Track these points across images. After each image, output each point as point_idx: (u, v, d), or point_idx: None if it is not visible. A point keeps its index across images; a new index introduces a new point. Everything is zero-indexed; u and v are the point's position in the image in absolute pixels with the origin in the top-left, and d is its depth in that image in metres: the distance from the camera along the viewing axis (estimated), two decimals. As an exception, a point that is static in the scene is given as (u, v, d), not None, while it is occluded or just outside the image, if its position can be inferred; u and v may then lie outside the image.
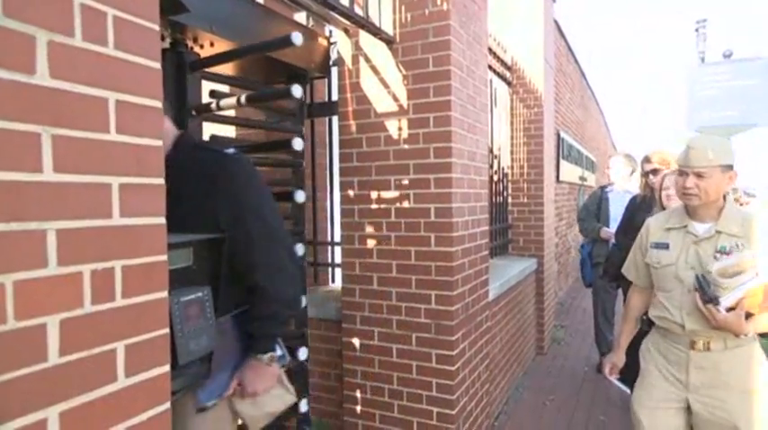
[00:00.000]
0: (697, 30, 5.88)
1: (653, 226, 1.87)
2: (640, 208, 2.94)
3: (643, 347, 1.90)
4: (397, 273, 2.48)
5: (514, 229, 4.72)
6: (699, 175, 1.62)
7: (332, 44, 2.71)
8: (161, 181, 0.94)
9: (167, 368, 0.95)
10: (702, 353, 1.66)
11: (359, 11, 2.23)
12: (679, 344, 1.72)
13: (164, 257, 0.94)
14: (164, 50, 1.78)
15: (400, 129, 2.46)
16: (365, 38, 2.50)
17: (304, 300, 1.88)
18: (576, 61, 8.04)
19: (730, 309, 1.56)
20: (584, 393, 3.70)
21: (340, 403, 2.69)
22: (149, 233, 0.91)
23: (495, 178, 4.17)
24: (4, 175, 0.68)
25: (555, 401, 3.59)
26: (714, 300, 1.56)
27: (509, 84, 4.60)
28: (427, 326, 2.42)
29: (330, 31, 2.80)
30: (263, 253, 1.37)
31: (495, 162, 4.16)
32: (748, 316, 1.58)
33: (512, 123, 4.65)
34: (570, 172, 6.93)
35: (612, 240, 3.49)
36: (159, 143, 0.92)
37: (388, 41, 2.44)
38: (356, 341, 2.60)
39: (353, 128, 2.57)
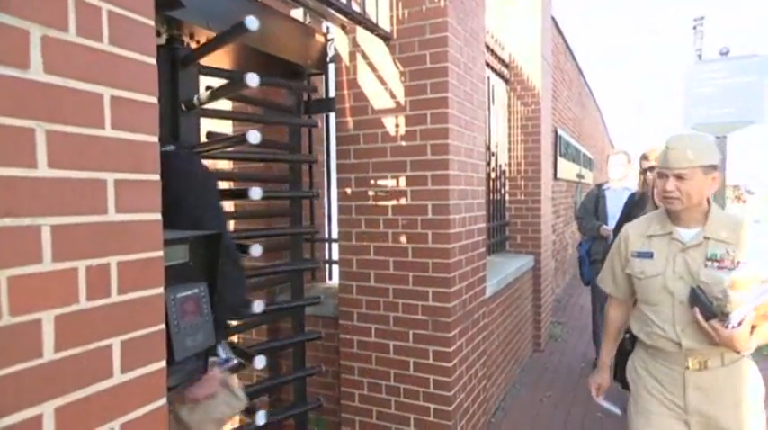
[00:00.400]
0: (695, 27, 5.88)
1: (633, 233, 1.71)
2: (638, 205, 2.95)
3: (629, 367, 1.76)
4: (395, 270, 2.48)
5: (512, 226, 4.73)
6: (679, 177, 1.51)
7: (329, 41, 2.70)
8: (157, 177, 0.93)
9: (163, 364, 0.95)
10: (699, 372, 1.54)
11: (356, 7, 2.23)
12: (673, 364, 1.58)
13: (160, 253, 0.94)
14: (160, 47, 1.77)
15: (397, 125, 2.45)
16: (362, 34, 2.49)
17: (260, 305, 1.75)
18: (574, 58, 8.04)
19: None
20: (581, 389, 3.71)
21: (337, 400, 2.69)
22: (145, 229, 0.91)
23: (493, 175, 4.17)
24: (-1, 171, 0.68)
25: (552, 398, 3.61)
26: (721, 316, 1.42)
27: (507, 81, 4.60)
28: (424, 322, 2.43)
29: (327, 28, 2.79)
30: None
31: (493, 159, 4.16)
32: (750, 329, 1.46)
33: (509, 120, 4.65)
34: (568, 169, 6.94)
35: (611, 237, 3.50)
36: (155, 139, 0.92)
37: (386, 38, 2.44)
38: (353, 338, 2.60)
39: (351, 124, 2.56)
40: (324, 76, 2.95)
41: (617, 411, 1.84)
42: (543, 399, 3.57)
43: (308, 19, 2.83)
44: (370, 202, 2.53)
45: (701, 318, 1.45)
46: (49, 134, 0.74)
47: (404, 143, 2.44)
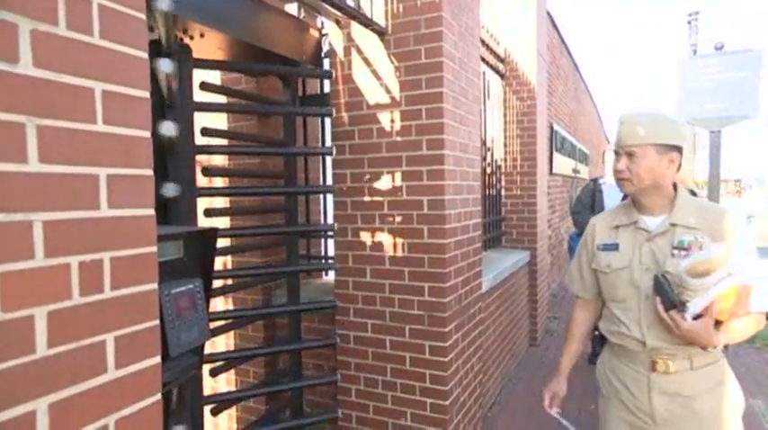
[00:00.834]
0: (689, 22, 5.90)
1: (599, 225, 1.58)
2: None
3: (598, 368, 1.64)
4: (390, 265, 2.48)
5: (508, 222, 4.74)
6: (629, 155, 1.40)
7: (323, 36, 2.69)
8: (150, 172, 0.93)
9: (158, 360, 0.95)
10: (666, 375, 1.40)
11: (350, 2, 2.22)
12: (637, 365, 1.45)
13: (153, 249, 0.94)
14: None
15: (392, 121, 2.45)
16: (357, 29, 2.48)
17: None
18: (570, 53, 8.04)
19: (697, 317, 1.30)
20: (576, 383, 3.72)
21: (334, 395, 2.70)
22: (138, 224, 0.90)
23: (489, 170, 4.17)
24: (-12, 166, 0.68)
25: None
26: (680, 306, 1.30)
27: (502, 76, 4.59)
28: (420, 317, 2.43)
29: (322, 23, 2.78)
30: None
31: (489, 154, 4.16)
32: (716, 324, 1.33)
33: (505, 116, 4.65)
34: (563, 164, 6.95)
35: None
36: (147, 134, 0.92)
37: (380, 33, 2.43)
38: (350, 333, 2.60)
39: (346, 120, 2.56)
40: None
41: (569, 426, 1.65)
42: (539, 394, 3.58)
43: (303, 14, 2.82)
44: (366, 198, 2.52)
45: (661, 308, 1.33)
46: (39, 129, 0.73)
47: (399, 138, 2.43)
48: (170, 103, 1.62)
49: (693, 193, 2.35)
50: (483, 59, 3.88)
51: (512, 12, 4.62)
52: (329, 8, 2.22)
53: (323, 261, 3.24)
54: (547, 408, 1.69)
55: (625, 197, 3.13)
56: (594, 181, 4.22)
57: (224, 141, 2.54)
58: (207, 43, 2.03)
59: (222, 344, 2.98)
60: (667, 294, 1.31)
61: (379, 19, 2.41)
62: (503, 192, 4.67)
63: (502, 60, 4.57)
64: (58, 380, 0.77)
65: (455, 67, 2.48)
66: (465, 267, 2.62)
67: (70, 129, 0.78)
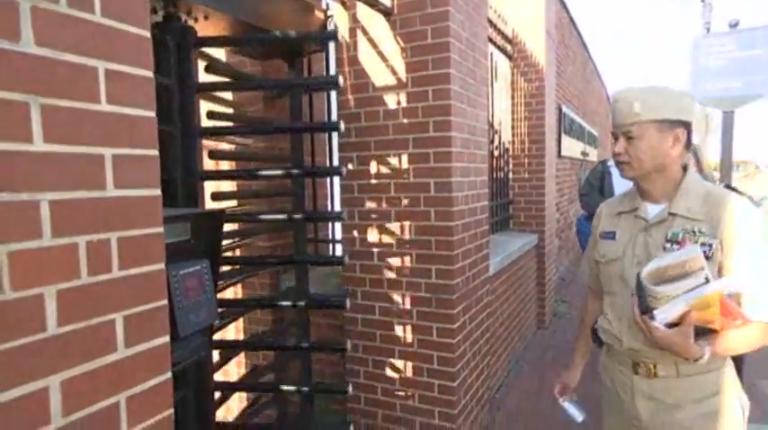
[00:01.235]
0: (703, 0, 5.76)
1: (605, 211, 1.46)
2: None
3: (600, 366, 1.52)
4: (398, 248, 2.49)
5: (515, 205, 4.71)
6: (628, 137, 1.25)
7: (329, 17, 2.66)
8: (155, 152, 0.93)
9: (167, 339, 0.96)
10: (649, 380, 1.27)
11: (355, -19, 2.19)
12: (622, 366, 1.35)
13: (160, 229, 0.94)
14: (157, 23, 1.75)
15: (399, 103, 2.43)
16: (362, 9, 2.45)
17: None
18: (579, 34, 7.90)
19: (672, 325, 1.14)
20: (585, 366, 3.74)
21: (342, 376, 2.73)
22: (145, 205, 0.91)
23: (496, 153, 4.14)
24: (-6, 145, 0.68)
25: (556, 374, 3.64)
26: (648, 312, 1.15)
27: (510, 57, 4.53)
28: (428, 300, 2.44)
29: (327, 4, 2.74)
30: None
31: (496, 137, 4.12)
32: (704, 332, 1.15)
33: (512, 97, 4.60)
34: (572, 147, 6.87)
35: None
36: (152, 114, 0.91)
37: (386, 13, 2.39)
38: (357, 316, 2.62)
39: (352, 102, 2.54)
40: (324, 54, 2.91)
41: (578, 417, 1.57)
42: (546, 376, 3.60)
43: (307, -5, 2.78)
44: (373, 181, 2.52)
45: (637, 310, 1.18)
46: (43, 108, 0.73)
47: (405, 120, 2.41)
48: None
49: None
50: (490, 40, 3.82)
51: (520, -9, 4.53)
52: (334, -12, 2.19)
53: (330, 245, 3.25)
54: (557, 398, 1.63)
55: None
56: (603, 162, 4.17)
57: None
58: (211, 25, 2.01)
59: (231, 327, 3.01)
60: (641, 297, 1.17)
61: (385, -1, 2.38)
62: (510, 175, 4.64)
63: (510, 41, 4.50)
64: (69, 358, 0.79)
65: (462, 48, 2.44)
66: (472, 250, 2.62)
67: (74, 108, 0.77)
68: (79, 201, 0.79)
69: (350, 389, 2.01)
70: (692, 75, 4.61)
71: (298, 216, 2.18)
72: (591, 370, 1.65)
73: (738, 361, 1.37)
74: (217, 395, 2.03)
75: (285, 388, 2.17)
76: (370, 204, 2.54)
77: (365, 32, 2.48)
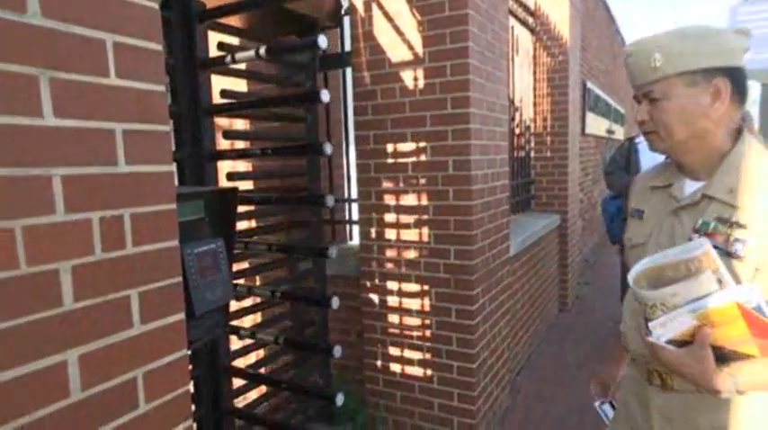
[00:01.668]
0: (739, -35, 5.52)
1: (639, 183, 1.21)
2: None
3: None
4: (415, 228, 2.48)
5: (537, 185, 4.65)
6: (650, 99, 1.00)
7: (343, -9, 2.62)
8: (166, 128, 0.93)
9: (182, 316, 0.97)
10: (665, 393, 1.02)
11: (370, -48, 2.14)
12: (636, 373, 1.11)
13: (173, 206, 0.95)
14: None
15: (416, 79, 2.39)
16: (377, -18, 2.40)
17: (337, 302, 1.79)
18: (606, 5, 7.65)
19: (683, 343, 0.88)
20: (607, 349, 3.71)
21: (360, 358, 2.76)
22: (157, 181, 0.91)
23: (517, 131, 4.07)
24: (5, 119, 0.68)
25: (577, 357, 3.62)
26: (644, 322, 0.93)
27: (532, 30, 4.41)
28: (446, 280, 2.43)
29: (341, -23, 2.71)
30: None
31: (517, 114, 4.05)
32: (730, 357, 0.87)
33: (535, 73, 4.50)
34: (597, 124, 6.72)
35: None
36: (161, 88, 0.91)
37: (402, -15, 2.34)
38: (375, 297, 2.63)
39: (367, 79, 2.51)
40: (339, 30, 2.88)
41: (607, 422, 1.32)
42: (568, 359, 3.58)
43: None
44: (389, 160, 2.50)
45: (642, 320, 0.95)
46: (52, 81, 0.74)
47: (423, 97, 2.38)
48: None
49: None
50: (511, 12, 3.73)
51: (543, -40, 4.39)
52: (347, -40, 2.15)
53: (347, 226, 3.25)
54: (593, 396, 1.37)
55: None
56: (630, 139, 4.06)
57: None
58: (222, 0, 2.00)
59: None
60: (639, 302, 0.95)
61: (401, -30, 2.33)
62: (532, 154, 4.57)
63: (532, 13, 4.38)
64: (86, 333, 0.80)
65: (481, 20, 2.39)
66: (492, 230, 2.60)
67: (83, 82, 0.78)
68: (91, 177, 0.80)
69: (339, 398, 1.97)
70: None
71: (309, 196, 2.17)
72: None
73: None
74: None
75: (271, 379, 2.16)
76: (386, 184, 2.53)
77: (381, 6, 2.44)
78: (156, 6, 0.89)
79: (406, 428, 2.61)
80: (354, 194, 2.95)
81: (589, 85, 6.06)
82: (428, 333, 2.51)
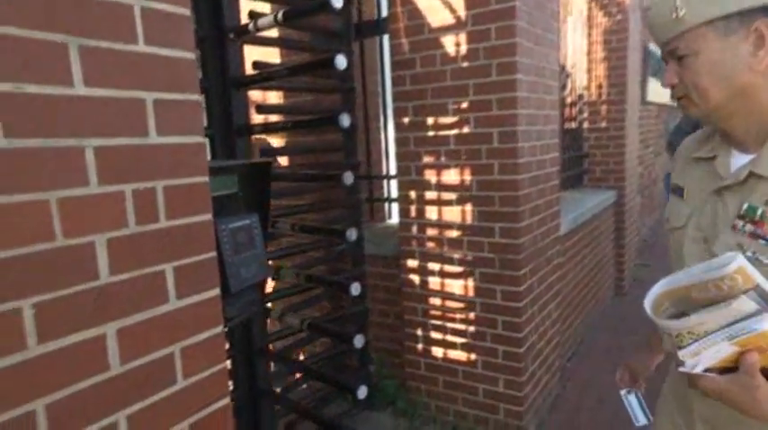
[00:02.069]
0: None
1: (683, 152, 1.08)
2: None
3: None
4: (458, 205, 2.45)
5: (591, 158, 4.49)
6: (675, 56, 0.87)
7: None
8: (196, 97, 0.94)
9: (218, 292, 1.00)
10: (707, 400, 0.90)
11: None
12: (679, 373, 0.99)
13: (205, 178, 0.96)
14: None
15: (458, 44, 2.33)
16: (415, -60, 2.34)
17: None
18: (670, -43, 7.20)
19: (725, 370, 0.77)
20: (645, 334, 3.59)
21: (401, 342, 2.78)
22: (189, 152, 0.93)
23: (569, 100, 3.93)
24: (36, 89, 0.71)
25: (633, 343, 3.52)
26: (674, 350, 0.81)
27: (586, -12, 4.22)
28: (491, 260, 2.40)
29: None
30: None
31: (569, 81, 3.90)
32: None
33: (589, 35, 4.31)
34: (660, 91, 6.40)
35: None
36: (191, 56, 0.92)
37: (442, -58, 2.28)
38: (415, 278, 2.63)
39: (406, 47, 2.47)
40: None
41: (639, 420, 1.25)
42: (622, 346, 3.49)
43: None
44: (430, 133, 2.47)
45: (672, 347, 0.81)
46: (81, 50, 0.75)
47: (465, 64, 2.32)
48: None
49: None
50: (563, -31, 3.57)
51: None
52: None
53: (386, 204, 3.25)
54: (618, 385, 1.30)
55: None
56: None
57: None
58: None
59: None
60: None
61: (441, -75, 2.26)
62: (585, 125, 4.41)
63: (586, -31, 4.18)
64: (123, 307, 0.83)
65: (529, -24, 2.29)
66: (541, 206, 2.53)
67: (112, 49, 0.79)
68: (123, 148, 0.82)
69: (362, 391, 1.97)
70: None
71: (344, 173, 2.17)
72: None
73: None
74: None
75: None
76: (427, 158, 2.50)
77: (419, -34, 2.38)
78: (184, -31, 0.90)
79: (449, 414, 2.62)
80: (393, 171, 2.94)
81: (651, 47, 5.76)
82: (472, 315, 2.49)
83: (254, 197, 1.31)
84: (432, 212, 2.53)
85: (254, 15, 2.07)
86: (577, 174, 4.35)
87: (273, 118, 2.62)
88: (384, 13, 2.68)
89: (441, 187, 2.48)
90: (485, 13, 2.25)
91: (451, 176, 2.44)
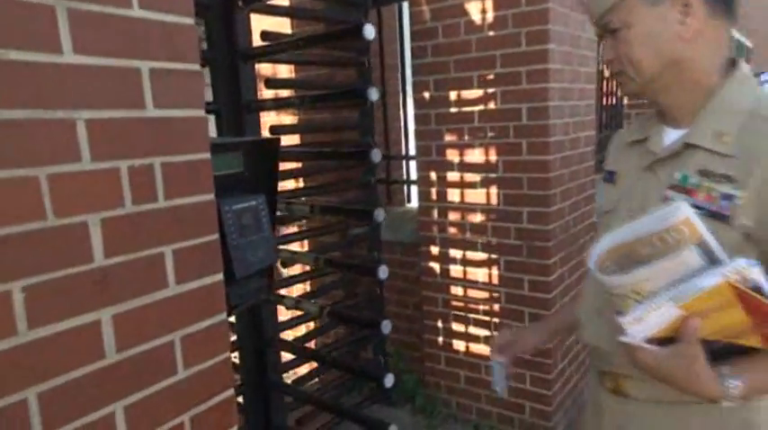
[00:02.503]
0: None
1: (616, 141, 1.14)
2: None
3: None
4: (482, 188, 2.42)
5: (630, 138, 4.40)
6: (609, 30, 0.92)
7: None
8: (197, 67, 0.93)
9: (220, 277, 0.99)
10: (618, 399, 0.95)
11: None
12: (593, 369, 1.07)
13: (207, 155, 0.96)
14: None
15: (483, 11, 2.29)
16: None
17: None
18: None
19: (664, 341, 0.75)
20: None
21: (419, 333, 2.77)
22: (189, 127, 0.92)
23: (607, 73, 3.83)
24: (21, 55, 0.70)
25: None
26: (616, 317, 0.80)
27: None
28: (518, 248, 2.37)
29: None
30: None
31: (607, 53, 3.81)
32: (735, 352, 0.77)
33: None
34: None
35: None
36: (191, 22, 0.91)
37: None
38: (435, 266, 2.62)
39: (427, 15, 2.43)
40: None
41: (498, 387, 1.24)
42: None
43: None
44: (453, 109, 2.43)
45: (616, 318, 0.79)
46: (71, 13, 0.74)
47: (492, 33, 2.28)
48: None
49: None
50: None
51: None
52: None
53: (404, 186, 3.24)
54: (490, 354, 1.26)
55: None
56: (757, 75, 3.73)
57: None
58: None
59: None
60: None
61: None
62: (625, 101, 4.31)
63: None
64: (119, 291, 0.83)
65: (564, -65, 2.22)
66: (574, 189, 2.49)
67: (103, 13, 0.78)
68: (117, 122, 0.81)
69: (389, 379, 1.96)
70: None
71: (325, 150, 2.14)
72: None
73: None
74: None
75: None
76: (449, 137, 2.47)
77: (442, -74, 2.33)
78: (182, -75, 0.88)
79: (472, 412, 2.62)
80: (413, 151, 2.91)
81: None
82: (496, 307, 2.47)
83: (261, 176, 1.31)
84: (454, 195, 2.50)
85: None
86: (615, 155, 4.26)
87: (283, 93, 2.61)
88: (404, -22, 2.63)
89: (464, 168, 2.45)
90: (514, -23, 2.19)
91: (476, 156, 2.41)
